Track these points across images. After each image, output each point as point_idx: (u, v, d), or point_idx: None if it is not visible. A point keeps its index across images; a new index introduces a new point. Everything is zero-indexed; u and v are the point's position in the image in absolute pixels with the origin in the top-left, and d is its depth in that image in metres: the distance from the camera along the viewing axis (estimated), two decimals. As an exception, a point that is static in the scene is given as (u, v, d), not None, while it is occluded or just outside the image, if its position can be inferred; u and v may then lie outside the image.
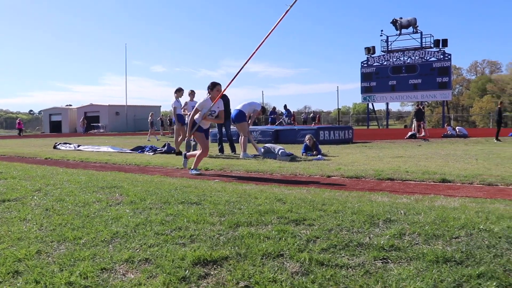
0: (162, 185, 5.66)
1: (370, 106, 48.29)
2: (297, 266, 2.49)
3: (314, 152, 11.08)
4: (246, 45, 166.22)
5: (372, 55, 45.20)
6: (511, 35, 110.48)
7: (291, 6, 6.89)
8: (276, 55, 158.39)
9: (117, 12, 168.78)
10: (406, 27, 44.38)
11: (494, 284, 2.20)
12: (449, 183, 6.44)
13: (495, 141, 19.19)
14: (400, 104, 76.26)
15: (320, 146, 11.76)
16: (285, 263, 2.56)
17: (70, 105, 69.29)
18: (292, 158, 10.14)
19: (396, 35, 44.76)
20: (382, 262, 2.56)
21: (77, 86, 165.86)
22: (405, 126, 47.19)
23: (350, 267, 2.47)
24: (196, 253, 2.72)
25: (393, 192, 5.39)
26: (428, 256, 2.58)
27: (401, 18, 44.71)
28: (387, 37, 44.95)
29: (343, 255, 2.67)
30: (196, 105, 7.85)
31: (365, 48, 45.65)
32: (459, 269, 2.40)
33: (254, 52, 7.56)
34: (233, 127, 12.79)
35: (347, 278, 2.32)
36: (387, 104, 47.11)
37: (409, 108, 72.83)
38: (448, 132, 23.16)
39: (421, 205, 4.26)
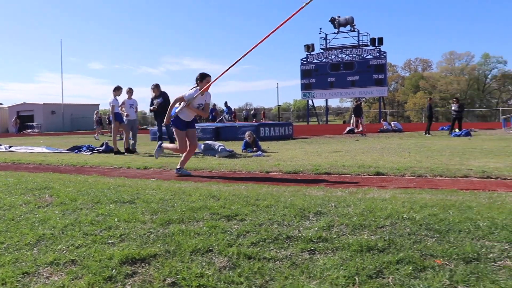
0: (96, 185, 5.50)
1: (310, 102, 49.24)
2: (225, 261, 2.50)
3: (254, 148, 11.17)
4: (187, 42, 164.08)
5: (312, 53, 46.06)
6: (441, 34, 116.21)
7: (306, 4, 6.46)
8: (216, 52, 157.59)
9: (52, 7, 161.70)
10: (344, 25, 45.55)
11: (411, 268, 2.31)
12: (383, 176, 6.66)
13: (426, 135, 20.15)
14: (339, 100, 78.24)
15: (261, 143, 11.86)
16: (214, 258, 2.57)
17: (1, 104, 65.71)
18: (232, 154, 10.17)
19: (335, 33, 45.88)
20: (309, 254, 2.62)
21: (10, 84, 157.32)
22: (344, 122, 48.46)
23: (278, 260, 2.52)
24: (124, 252, 2.67)
25: (329, 186, 5.49)
26: (353, 245, 2.67)
27: (339, 16, 45.81)
28: (326, 35, 46.01)
29: (271, 248, 2.72)
30: (183, 94, 7.45)
31: (305, 45, 46.51)
32: (381, 256, 2.51)
33: (255, 46, 6.89)
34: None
35: (273, 270, 2.37)
36: (326, 100, 48.25)
37: (348, 104, 74.90)
38: (384, 127, 24.05)
39: (353, 197, 4.39)
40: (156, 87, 12.54)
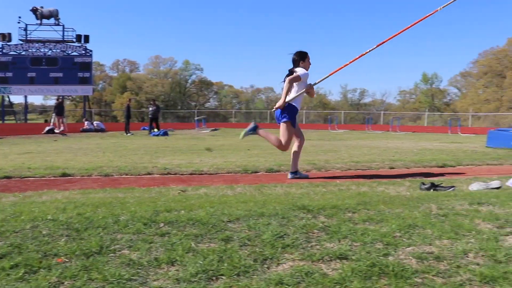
0: None
1: (7, 98, 44.49)
2: None
3: None
4: None
5: (9, 43, 41.39)
6: (148, 39, 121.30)
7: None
8: None
9: None
10: (48, 17, 42.60)
11: (23, 271, 2.26)
12: (69, 177, 6.66)
13: (128, 134, 20.89)
14: (43, 97, 73.08)
15: None
16: None
17: None
18: None
19: (37, 24, 42.42)
20: None
21: None
22: (46, 121, 45.51)
23: None
24: None
25: (6, 191, 5.23)
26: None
27: (42, 7, 42.64)
28: (26, 25, 42.07)
29: None
30: (300, 74, 6.46)
31: (0, 34, 41.53)
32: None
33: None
34: None
35: None
36: (26, 97, 44.13)
37: (54, 102, 70.80)
38: (86, 126, 23.76)
39: (21, 202, 4.22)
40: None
